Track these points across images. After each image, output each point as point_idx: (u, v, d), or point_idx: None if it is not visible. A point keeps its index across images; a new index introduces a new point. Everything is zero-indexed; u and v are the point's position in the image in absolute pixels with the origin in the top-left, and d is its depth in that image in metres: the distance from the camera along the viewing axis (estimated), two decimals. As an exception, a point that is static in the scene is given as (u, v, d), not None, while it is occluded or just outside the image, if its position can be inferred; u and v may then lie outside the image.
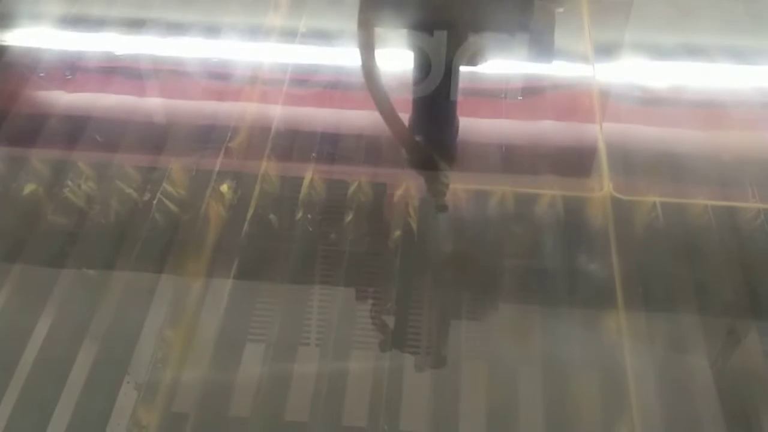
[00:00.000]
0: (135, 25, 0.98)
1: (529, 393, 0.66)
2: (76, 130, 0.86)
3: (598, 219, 0.78)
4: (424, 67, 0.63)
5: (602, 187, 0.80)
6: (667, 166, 0.83)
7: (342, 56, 0.97)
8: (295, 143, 0.86)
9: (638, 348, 0.68)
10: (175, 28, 0.99)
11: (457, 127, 0.68)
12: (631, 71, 0.95)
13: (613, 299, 0.71)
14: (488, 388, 0.66)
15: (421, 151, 0.65)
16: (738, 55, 0.96)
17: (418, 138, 0.65)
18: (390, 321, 0.70)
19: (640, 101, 0.90)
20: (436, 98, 0.65)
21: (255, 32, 0.99)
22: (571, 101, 0.90)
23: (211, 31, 0.99)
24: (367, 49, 0.59)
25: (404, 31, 0.62)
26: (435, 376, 0.67)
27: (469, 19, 0.61)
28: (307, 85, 0.92)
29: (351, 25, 1.01)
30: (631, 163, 0.83)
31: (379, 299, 0.72)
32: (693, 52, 0.97)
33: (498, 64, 0.96)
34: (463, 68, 0.63)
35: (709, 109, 0.90)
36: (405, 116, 0.66)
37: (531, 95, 0.91)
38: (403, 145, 0.64)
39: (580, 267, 0.74)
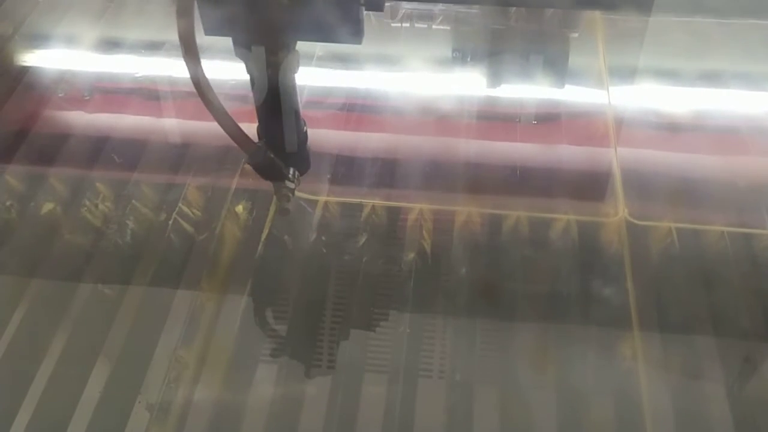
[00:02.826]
0: (153, 47, 0.99)
1: (543, 418, 0.65)
2: (94, 150, 0.87)
3: (613, 244, 0.77)
4: (257, 77, 0.65)
5: (617, 212, 0.80)
6: (682, 192, 0.83)
7: (357, 79, 0.98)
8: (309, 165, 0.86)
9: (654, 374, 0.68)
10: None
11: (305, 133, 0.71)
12: (646, 96, 0.95)
13: (628, 325, 0.71)
14: (501, 412, 0.66)
15: (263, 155, 0.67)
16: (753, 80, 0.96)
17: (259, 143, 0.68)
18: (401, 342, 0.70)
19: (655, 126, 0.90)
20: (274, 107, 0.67)
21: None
22: (586, 126, 0.91)
23: (228, 52, 1.00)
24: (193, 60, 0.61)
25: (231, 41, 0.64)
26: (448, 400, 0.67)
27: (294, 30, 0.64)
28: (322, 107, 0.93)
29: (367, 49, 1.02)
30: (647, 188, 0.83)
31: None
32: (708, 77, 0.97)
33: (512, 88, 0.96)
34: (298, 78, 0.66)
35: (725, 135, 0.90)
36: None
37: (546, 119, 0.92)
38: (244, 150, 0.66)
39: (595, 292, 0.74)
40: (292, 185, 0.71)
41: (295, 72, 0.67)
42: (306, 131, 0.72)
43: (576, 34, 1.02)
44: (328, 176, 0.84)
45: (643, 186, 0.83)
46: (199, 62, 0.61)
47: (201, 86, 0.62)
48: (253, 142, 0.68)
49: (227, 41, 0.66)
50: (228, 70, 0.98)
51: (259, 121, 0.70)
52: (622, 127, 0.90)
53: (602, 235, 0.79)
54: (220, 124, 0.64)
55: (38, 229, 0.80)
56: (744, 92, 0.95)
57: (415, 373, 0.68)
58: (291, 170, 0.71)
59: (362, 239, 0.78)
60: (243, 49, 0.65)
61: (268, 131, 0.70)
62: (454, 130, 0.90)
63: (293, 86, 0.68)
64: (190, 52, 0.61)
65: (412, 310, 0.73)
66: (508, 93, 0.96)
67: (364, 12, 0.63)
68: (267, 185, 0.83)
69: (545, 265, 0.76)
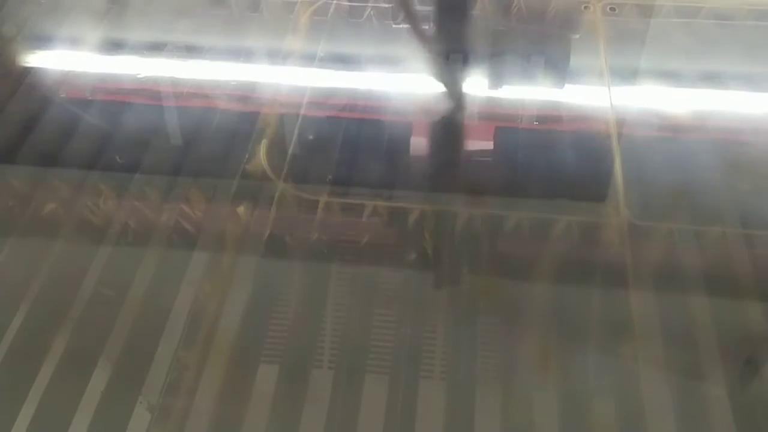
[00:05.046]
0: (155, 47, 1.00)
1: (544, 421, 0.65)
2: (96, 150, 0.87)
3: (614, 245, 0.77)
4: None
5: (618, 213, 0.80)
6: (684, 194, 0.83)
7: (359, 80, 0.98)
8: (311, 165, 0.87)
9: (655, 377, 0.68)
10: (195, 51, 1.01)
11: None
12: (648, 97, 0.95)
13: (629, 328, 0.71)
14: (502, 416, 0.66)
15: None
16: (756, 82, 0.96)
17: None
18: (402, 343, 0.70)
19: (656, 127, 0.90)
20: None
21: (273, 56, 1.00)
22: (587, 127, 0.91)
23: (231, 54, 1.00)
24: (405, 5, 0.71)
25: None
26: (449, 401, 0.67)
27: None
28: (324, 108, 0.93)
29: (368, 50, 1.02)
30: (648, 189, 0.83)
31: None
32: (710, 78, 0.97)
33: (513, 89, 0.96)
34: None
35: (726, 136, 0.90)
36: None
37: (547, 121, 0.92)
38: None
39: (596, 294, 0.74)
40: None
41: None
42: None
43: (577, 35, 1.02)
44: (329, 177, 0.84)
45: (645, 187, 0.83)
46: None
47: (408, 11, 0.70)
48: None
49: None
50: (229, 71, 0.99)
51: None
52: (623, 128, 0.90)
53: (603, 236, 0.79)
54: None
55: (40, 230, 0.80)
56: (745, 93, 0.95)
57: (417, 374, 0.68)
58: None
59: (363, 239, 0.78)
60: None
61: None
62: (455, 130, 0.90)
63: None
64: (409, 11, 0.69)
65: (413, 310, 0.73)
66: (509, 94, 0.96)
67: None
68: (268, 185, 0.84)
69: (546, 267, 0.76)
